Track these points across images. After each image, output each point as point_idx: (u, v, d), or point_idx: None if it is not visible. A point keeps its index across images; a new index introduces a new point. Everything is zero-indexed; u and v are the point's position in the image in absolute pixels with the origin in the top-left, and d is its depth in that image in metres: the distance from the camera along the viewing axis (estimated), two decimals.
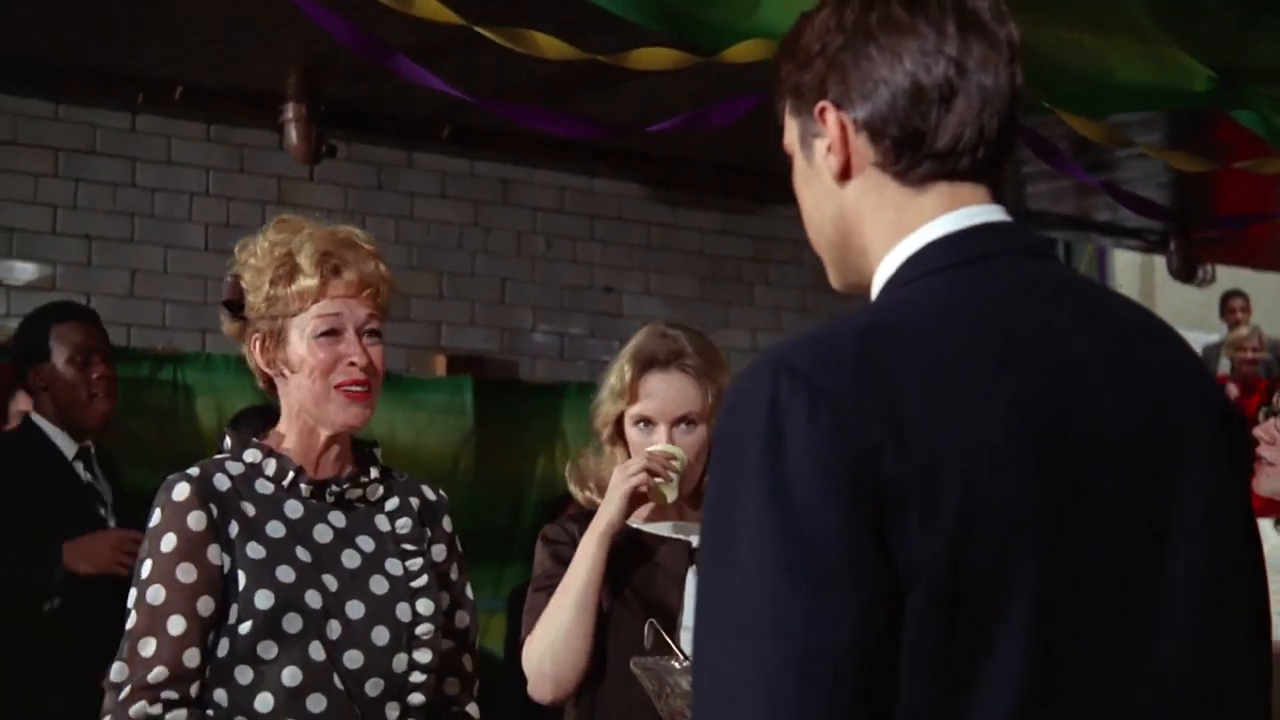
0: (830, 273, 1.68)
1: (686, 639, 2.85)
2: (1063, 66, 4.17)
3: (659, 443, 3.06)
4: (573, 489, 3.22)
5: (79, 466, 4.78)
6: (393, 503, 2.79)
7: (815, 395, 1.39)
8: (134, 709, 2.52)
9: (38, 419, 4.81)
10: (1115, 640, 1.45)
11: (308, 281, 2.69)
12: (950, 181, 1.56)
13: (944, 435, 1.39)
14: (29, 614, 4.52)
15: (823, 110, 1.58)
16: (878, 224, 1.57)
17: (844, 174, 1.58)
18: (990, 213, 1.56)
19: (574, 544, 3.08)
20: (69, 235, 6.33)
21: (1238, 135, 5.21)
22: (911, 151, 1.55)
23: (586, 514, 3.16)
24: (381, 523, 2.77)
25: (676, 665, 2.59)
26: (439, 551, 2.82)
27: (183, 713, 2.54)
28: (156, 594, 2.56)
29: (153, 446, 5.79)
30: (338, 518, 2.73)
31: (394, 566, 2.73)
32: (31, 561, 4.49)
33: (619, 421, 3.13)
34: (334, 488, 2.74)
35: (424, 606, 2.72)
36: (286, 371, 2.72)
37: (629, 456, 3.13)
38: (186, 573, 2.57)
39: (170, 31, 5.69)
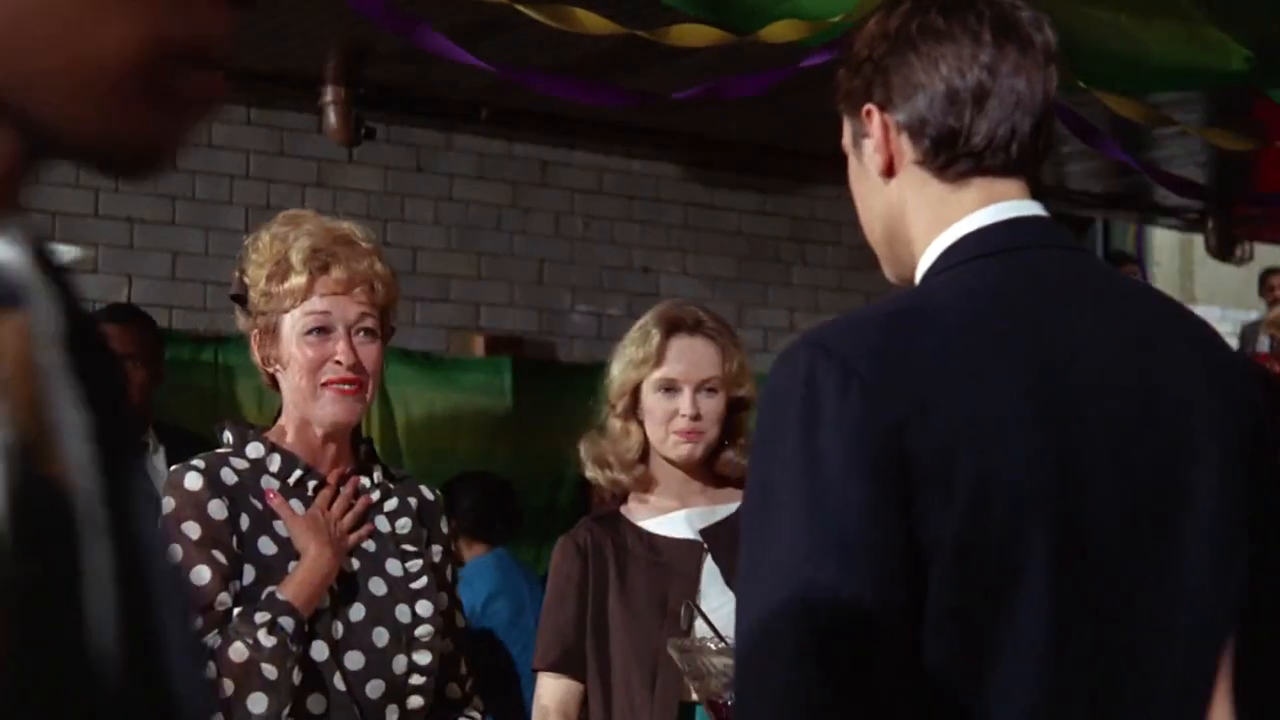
0: (884, 266, 1.80)
1: (695, 617, 2.87)
2: (1100, 48, 4.17)
3: (683, 408, 3.09)
4: (593, 473, 3.25)
5: None
6: (392, 503, 2.74)
7: (847, 373, 1.50)
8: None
9: None
10: (1125, 603, 1.55)
11: (296, 279, 2.67)
12: (986, 177, 1.68)
13: (963, 414, 1.51)
14: None
15: (869, 112, 1.71)
16: (920, 218, 1.70)
17: (888, 171, 1.71)
18: (1025, 207, 1.68)
19: (584, 557, 3.12)
20: (111, 218, 6.38)
21: (1275, 114, 5.20)
22: (948, 149, 1.67)
23: (602, 516, 3.21)
24: (381, 523, 2.73)
25: (712, 646, 2.59)
26: (436, 552, 2.78)
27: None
28: (200, 575, 2.52)
29: (194, 428, 5.84)
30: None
31: (394, 567, 2.70)
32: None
33: (635, 393, 3.15)
34: (341, 488, 2.70)
35: (423, 608, 2.68)
36: (279, 368, 2.71)
37: (643, 431, 3.16)
38: (216, 559, 2.55)
39: None
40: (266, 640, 2.48)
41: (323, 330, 2.68)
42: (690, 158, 7.58)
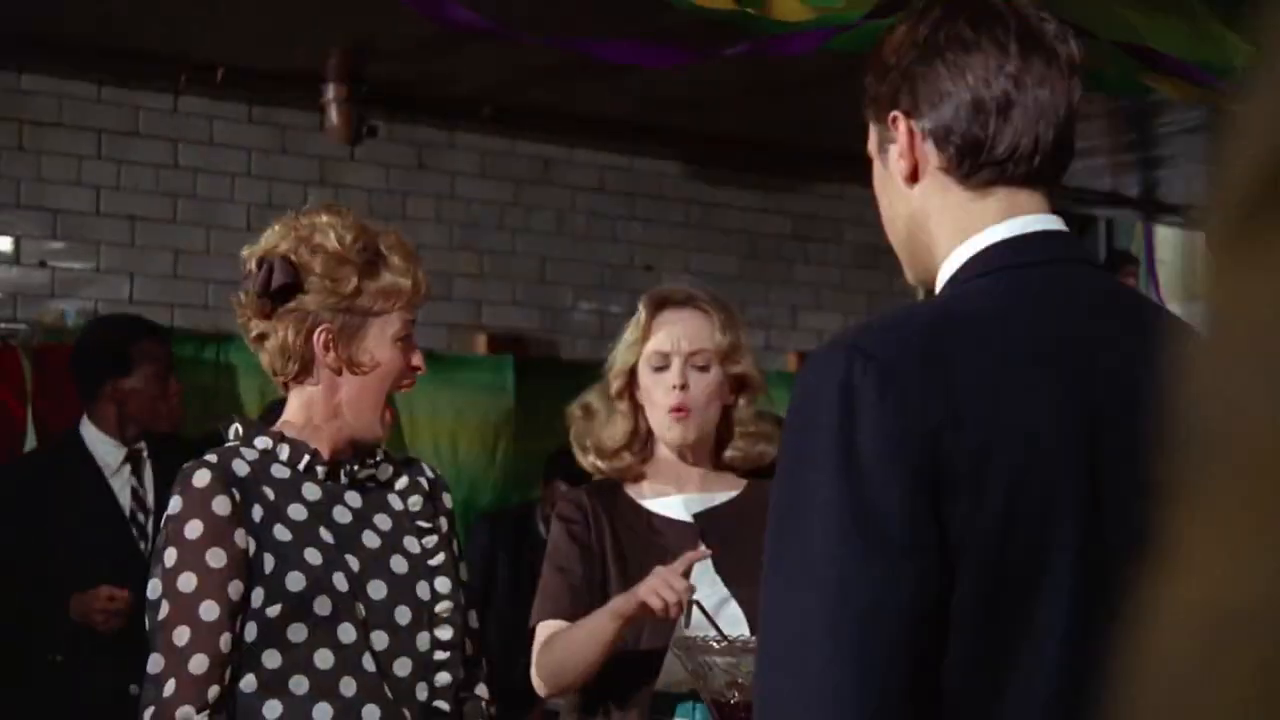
0: (905, 268, 1.85)
1: (696, 615, 2.87)
2: (1108, 46, 4.17)
3: (673, 380, 3.10)
4: (576, 452, 3.26)
5: (124, 473, 4.81)
6: (402, 481, 2.75)
7: (885, 377, 1.54)
8: (180, 711, 2.48)
9: (85, 429, 4.84)
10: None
11: (402, 281, 2.68)
12: (1009, 187, 1.72)
13: (996, 421, 1.55)
14: (35, 664, 4.56)
15: (895, 119, 1.75)
16: (943, 224, 1.74)
17: (912, 177, 1.75)
18: (1047, 221, 1.73)
19: (586, 521, 3.13)
20: (112, 216, 6.37)
21: None
22: (972, 158, 1.72)
23: (600, 485, 3.21)
24: (394, 501, 2.74)
25: (715, 645, 2.59)
26: (444, 525, 2.81)
27: None
28: (188, 581, 2.51)
29: (195, 427, 5.83)
30: (354, 498, 2.69)
31: (411, 545, 2.71)
32: (43, 607, 4.54)
33: (631, 377, 3.17)
34: (347, 467, 2.70)
35: (442, 584, 2.70)
36: (350, 369, 2.68)
37: (635, 415, 3.18)
38: (216, 558, 2.52)
39: (212, 13, 5.72)
40: None
41: (409, 339, 2.72)
42: (692, 156, 7.57)
